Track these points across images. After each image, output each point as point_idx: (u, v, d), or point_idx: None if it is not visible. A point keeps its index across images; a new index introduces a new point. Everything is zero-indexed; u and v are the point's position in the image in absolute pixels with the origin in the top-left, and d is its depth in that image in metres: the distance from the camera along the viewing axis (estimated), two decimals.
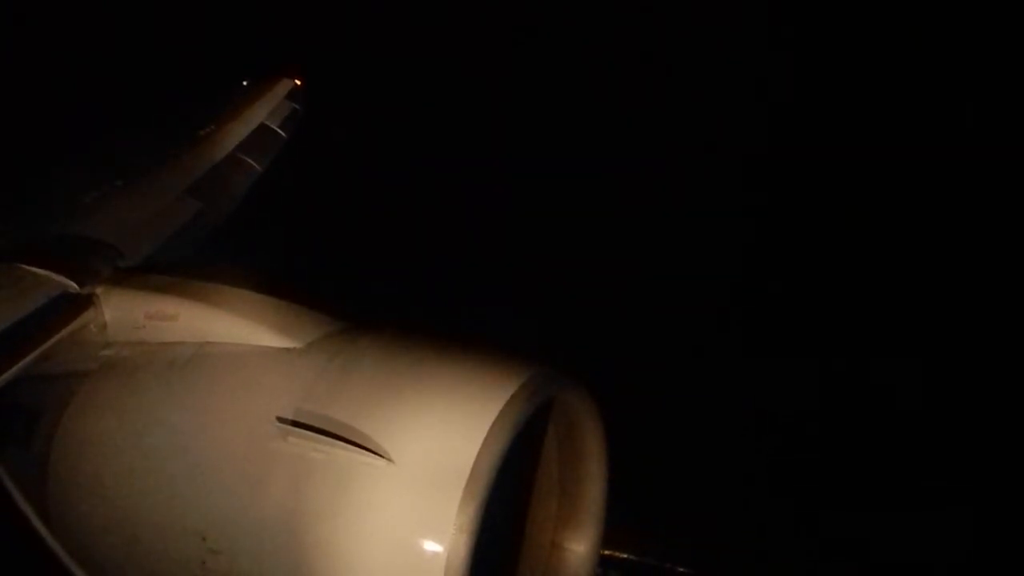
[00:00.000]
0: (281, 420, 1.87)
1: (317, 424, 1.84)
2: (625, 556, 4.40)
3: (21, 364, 2.09)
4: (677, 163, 6.85)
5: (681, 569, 4.53)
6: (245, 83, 4.66)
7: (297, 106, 4.63)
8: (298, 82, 4.74)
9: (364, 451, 1.79)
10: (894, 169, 6.59)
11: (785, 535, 4.84)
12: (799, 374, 5.68)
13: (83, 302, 2.29)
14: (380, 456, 1.77)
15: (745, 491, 5.01)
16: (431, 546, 1.70)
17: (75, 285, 2.31)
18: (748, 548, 4.70)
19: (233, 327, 2.13)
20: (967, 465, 5.09)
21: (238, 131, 4.08)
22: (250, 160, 4.01)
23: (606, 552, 4.01)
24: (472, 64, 7.48)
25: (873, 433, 5.42)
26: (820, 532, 4.92)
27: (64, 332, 2.21)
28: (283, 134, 4.41)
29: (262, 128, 4.28)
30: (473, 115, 7.28)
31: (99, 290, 2.33)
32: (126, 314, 2.27)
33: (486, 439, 1.75)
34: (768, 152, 6.94)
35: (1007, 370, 5.42)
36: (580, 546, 2.23)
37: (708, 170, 6.82)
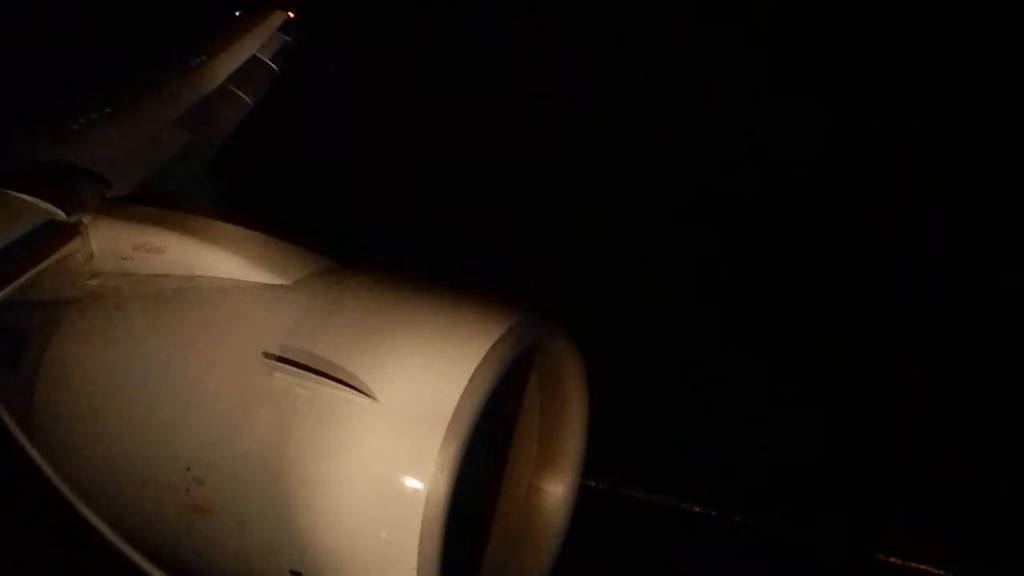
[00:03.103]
0: (267, 356, 1.89)
1: (302, 361, 1.86)
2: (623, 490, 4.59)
3: (6, 290, 2.09)
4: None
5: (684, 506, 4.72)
6: (237, 14, 4.57)
7: (290, 39, 4.55)
8: (291, 14, 4.65)
9: (348, 388, 1.81)
10: (892, 170, 6.55)
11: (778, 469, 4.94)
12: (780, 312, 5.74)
13: (69, 230, 2.27)
14: (364, 394, 1.80)
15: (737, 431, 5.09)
16: (412, 483, 1.73)
17: (62, 213, 2.29)
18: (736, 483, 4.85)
19: (221, 262, 2.13)
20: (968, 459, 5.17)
21: (229, 63, 4.01)
22: (241, 93, 3.95)
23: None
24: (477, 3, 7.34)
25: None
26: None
27: (50, 260, 2.20)
28: (275, 67, 4.34)
29: (253, 61, 4.21)
30: (470, 51, 7.14)
31: (86, 219, 2.31)
32: (113, 244, 2.26)
33: (470, 382, 1.78)
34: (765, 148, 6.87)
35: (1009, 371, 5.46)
36: (558, 488, 2.28)
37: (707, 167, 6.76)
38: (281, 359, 1.87)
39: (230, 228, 2.24)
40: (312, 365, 1.85)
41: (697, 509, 4.85)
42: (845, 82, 6.78)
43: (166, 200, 2.46)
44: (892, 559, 4.71)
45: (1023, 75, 6.24)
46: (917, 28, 6.68)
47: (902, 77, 6.69)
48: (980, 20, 6.44)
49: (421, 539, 1.72)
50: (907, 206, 6.20)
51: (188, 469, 1.89)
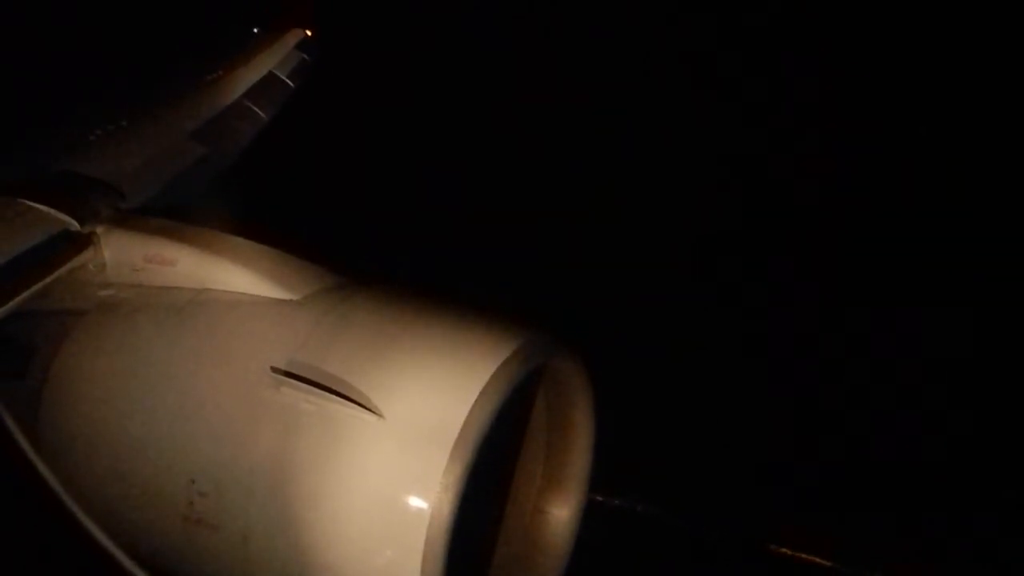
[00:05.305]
0: (275, 370, 1.89)
1: (310, 376, 1.86)
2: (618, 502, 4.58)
3: (19, 298, 2.10)
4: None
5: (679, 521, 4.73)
6: (256, 31, 4.62)
7: (307, 56, 4.60)
8: (309, 32, 4.70)
9: (355, 405, 1.80)
10: (889, 174, 6.55)
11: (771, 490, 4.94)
12: (783, 330, 5.75)
13: (83, 241, 2.29)
14: (371, 411, 1.79)
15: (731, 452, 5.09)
16: (416, 502, 1.72)
17: (76, 223, 2.32)
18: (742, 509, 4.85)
19: (231, 276, 2.14)
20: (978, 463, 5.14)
21: (246, 79, 4.05)
22: (256, 109, 3.98)
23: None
24: (481, 17, 7.37)
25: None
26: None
27: (63, 269, 2.22)
28: (291, 84, 4.38)
29: (270, 77, 4.25)
30: (484, 69, 7.16)
31: (99, 230, 2.33)
32: (125, 256, 2.28)
33: (476, 401, 1.77)
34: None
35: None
36: (562, 511, 2.27)
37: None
38: (289, 374, 1.87)
39: (241, 242, 2.25)
40: (319, 381, 1.84)
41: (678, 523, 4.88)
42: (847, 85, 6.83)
43: (179, 213, 2.47)
44: (783, 550, 4.74)
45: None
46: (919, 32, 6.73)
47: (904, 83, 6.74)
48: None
49: (424, 559, 1.71)
50: (904, 208, 6.24)
51: (192, 482, 1.89)
